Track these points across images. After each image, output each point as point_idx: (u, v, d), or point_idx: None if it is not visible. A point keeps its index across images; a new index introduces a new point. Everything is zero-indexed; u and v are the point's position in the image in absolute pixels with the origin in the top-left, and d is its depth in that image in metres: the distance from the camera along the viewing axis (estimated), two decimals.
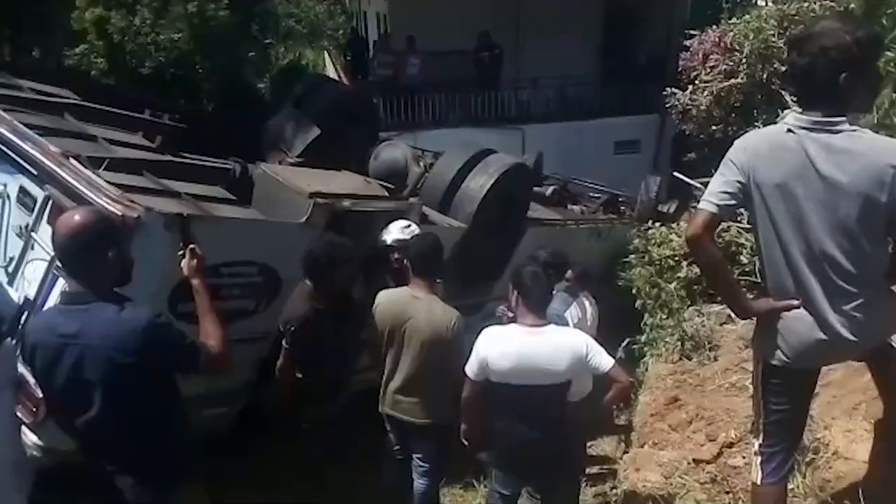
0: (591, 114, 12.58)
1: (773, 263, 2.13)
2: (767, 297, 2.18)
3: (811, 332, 2.09)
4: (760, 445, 2.25)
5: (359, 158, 6.09)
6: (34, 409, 3.58)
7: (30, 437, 3.66)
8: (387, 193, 5.01)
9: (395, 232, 4.17)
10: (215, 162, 4.85)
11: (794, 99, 2.27)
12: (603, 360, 2.94)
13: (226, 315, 2.89)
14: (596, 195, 9.11)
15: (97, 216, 2.25)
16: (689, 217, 2.20)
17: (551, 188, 8.20)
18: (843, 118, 2.01)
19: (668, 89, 7.70)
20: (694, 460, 3.30)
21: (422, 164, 6.33)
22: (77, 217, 2.20)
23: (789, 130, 2.05)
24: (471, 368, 2.98)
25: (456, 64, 12.43)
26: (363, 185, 4.94)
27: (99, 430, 2.24)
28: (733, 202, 2.11)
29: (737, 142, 2.18)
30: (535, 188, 7.18)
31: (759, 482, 2.28)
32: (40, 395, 3.52)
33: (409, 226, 4.24)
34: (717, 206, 2.10)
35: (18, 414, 3.68)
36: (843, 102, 2.02)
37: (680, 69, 7.72)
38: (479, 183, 5.46)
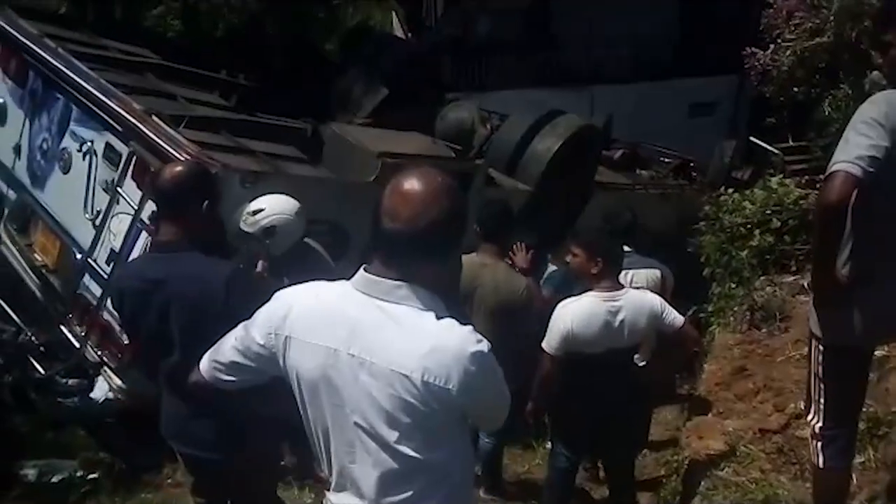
0: (665, 75, 12.08)
1: (876, 239, 2.00)
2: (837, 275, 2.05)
3: (878, 310, 2.00)
4: (821, 429, 2.17)
5: (426, 119, 6.10)
6: (119, 354, 3.83)
7: (114, 380, 3.91)
8: (453, 155, 5.02)
9: (245, 221, 3.24)
10: (288, 122, 4.96)
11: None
12: (677, 317, 2.99)
13: None
14: (667, 160, 8.85)
15: (198, 168, 2.34)
16: (826, 180, 1.93)
17: (620, 152, 8.01)
18: None
19: (748, 49, 7.33)
20: (760, 430, 3.25)
21: (488, 125, 6.29)
22: (179, 167, 2.30)
23: None
24: (550, 344, 2.93)
25: (525, 23, 12.17)
26: (430, 145, 4.97)
27: (180, 375, 2.33)
28: (873, 169, 1.85)
29: (880, 99, 1.97)
30: (604, 151, 7.04)
31: (821, 466, 2.20)
32: (125, 341, 3.79)
33: (258, 211, 3.27)
34: (864, 171, 1.84)
35: (104, 357, 3.98)
36: None
37: (762, 27, 7.34)
38: (547, 145, 5.40)
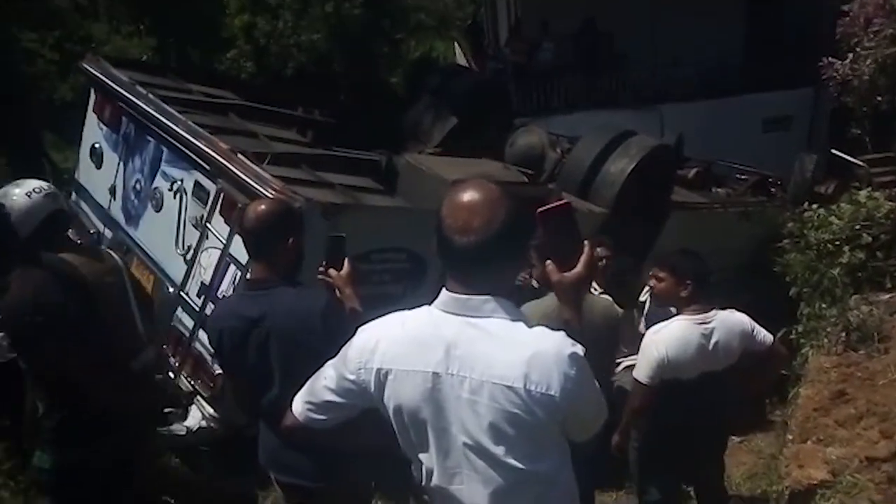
0: (735, 90, 11.79)
1: None
2: None
3: None
4: None
5: (495, 145, 6.14)
6: (211, 385, 3.95)
7: (207, 409, 4.04)
8: (526, 179, 5.02)
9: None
10: (363, 154, 5.08)
11: None
12: (767, 335, 2.93)
13: (376, 300, 3.03)
14: (743, 176, 8.60)
15: (283, 205, 2.41)
16: None
17: (694, 170, 7.83)
18: None
19: (824, 59, 7.08)
20: (867, 458, 3.07)
21: (558, 149, 6.28)
22: (264, 205, 2.36)
23: None
24: (645, 373, 2.84)
25: (588, 46, 12.13)
26: (502, 171, 4.99)
27: (280, 406, 2.36)
28: None
29: None
30: (677, 171, 6.90)
31: None
32: (217, 372, 3.92)
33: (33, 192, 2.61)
34: None
35: (197, 387, 4.12)
36: None
37: (838, 37, 7.09)
38: (620, 166, 5.33)
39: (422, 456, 1.54)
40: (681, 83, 12.18)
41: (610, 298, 3.24)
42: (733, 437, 4.24)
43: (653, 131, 8.85)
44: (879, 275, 5.14)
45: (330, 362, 1.66)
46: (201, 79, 5.92)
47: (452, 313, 1.49)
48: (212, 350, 3.85)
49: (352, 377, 1.58)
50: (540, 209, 1.53)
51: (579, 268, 1.56)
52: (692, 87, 12.11)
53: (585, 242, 1.59)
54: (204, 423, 3.97)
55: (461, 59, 16.38)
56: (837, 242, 5.50)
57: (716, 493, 3.22)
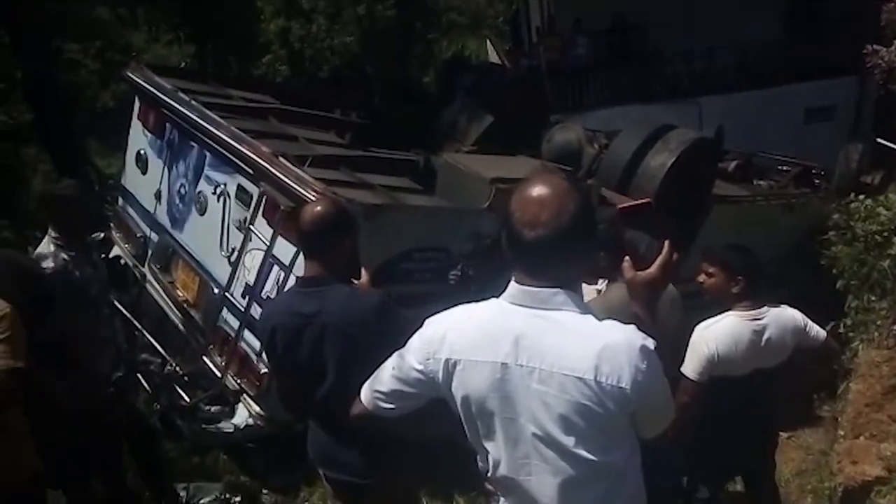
0: (775, 81, 11.51)
1: None
2: None
3: None
4: None
5: (532, 143, 6.12)
6: (258, 383, 4.03)
7: (253, 407, 4.11)
8: (564, 176, 4.99)
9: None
10: (401, 154, 5.11)
11: None
12: (820, 331, 2.88)
13: (419, 299, 3.05)
14: (785, 168, 8.40)
15: (338, 206, 2.46)
16: None
17: (734, 163, 7.68)
18: None
19: (868, 46, 6.88)
20: None
21: (595, 144, 6.22)
22: (320, 206, 2.41)
23: None
24: (694, 369, 2.77)
25: (622, 40, 12.00)
26: (541, 168, 4.96)
27: (332, 403, 2.36)
28: None
29: None
30: (718, 164, 6.77)
31: None
32: (263, 371, 3.99)
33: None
34: None
35: (243, 386, 4.20)
36: None
37: (883, 23, 6.89)
38: (660, 161, 5.25)
39: (489, 446, 1.56)
40: (719, 74, 11.96)
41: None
42: (781, 433, 4.16)
43: (691, 124, 8.72)
44: None
45: (397, 352, 1.69)
46: (240, 84, 6.02)
47: (521, 305, 1.50)
48: (259, 349, 3.96)
49: (420, 367, 1.61)
50: (621, 206, 1.56)
51: (654, 269, 1.58)
52: (731, 78, 11.88)
53: (666, 243, 1.59)
54: (251, 421, 4.05)
55: (493, 58, 16.35)
56: (885, 234, 5.36)
57: (766, 489, 3.16)
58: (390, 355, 1.76)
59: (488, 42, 18.76)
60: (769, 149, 8.73)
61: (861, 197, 5.90)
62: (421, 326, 1.66)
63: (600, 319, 1.49)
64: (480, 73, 7.56)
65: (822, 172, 8.10)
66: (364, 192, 4.00)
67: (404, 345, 1.67)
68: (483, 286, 2.64)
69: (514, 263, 1.53)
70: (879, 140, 9.08)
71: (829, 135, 10.19)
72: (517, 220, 1.47)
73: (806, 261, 6.02)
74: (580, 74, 12.01)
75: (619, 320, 1.49)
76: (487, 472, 1.60)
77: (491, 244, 3.39)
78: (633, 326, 1.48)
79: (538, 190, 1.48)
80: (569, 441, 1.45)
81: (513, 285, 1.52)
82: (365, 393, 1.77)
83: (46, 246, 3.40)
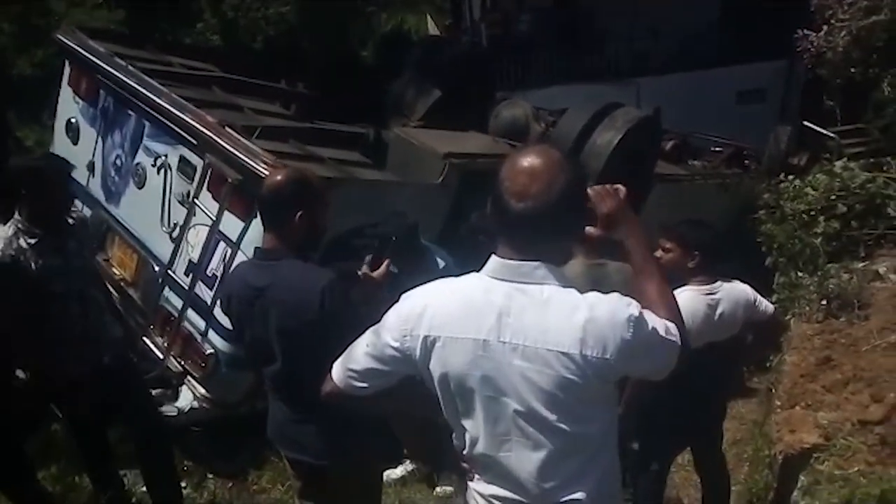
0: (710, 63, 11.86)
1: None
2: None
3: None
4: None
5: (478, 118, 6.09)
6: (203, 364, 3.90)
7: (198, 390, 3.99)
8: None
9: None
10: (349, 127, 5.00)
11: None
12: (768, 305, 3.01)
13: None
14: (718, 149, 8.70)
15: (296, 176, 2.33)
16: None
17: (671, 143, 7.88)
18: None
19: (798, 31, 7.14)
20: (859, 421, 3.14)
21: (542, 122, 6.25)
22: (278, 175, 2.32)
23: None
24: None
25: (566, 18, 12.09)
26: (492, 143, 4.96)
27: (283, 382, 2.34)
28: None
29: None
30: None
31: None
32: (208, 351, 3.86)
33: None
34: None
35: (187, 367, 4.06)
36: None
37: (812, 8, 7.16)
38: (607, 138, 5.33)
39: (467, 424, 1.54)
40: (658, 56, 12.22)
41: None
42: None
43: (630, 104, 8.86)
44: (854, 244, 5.25)
45: (370, 329, 1.64)
46: (181, 51, 5.74)
47: (503, 279, 1.47)
48: (204, 328, 3.83)
49: (395, 344, 1.56)
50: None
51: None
52: (669, 60, 12.15)
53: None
54: (195, 404, 3.93)
55: (434, 33, 16.18)
56: (813, 213, 5.59)
57: (715, 460, 3.28)
58: (337, 342, 1.71)
59: (428, 17, 18.52)
60: (704, 129, 9.01)
61: (790, 178, 6.15)
62: (397, 301, 1.61)
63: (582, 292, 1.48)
64: (427, 47, 7.45)
65: (753, 153, 8.42)
66: (315, 166, 3.89)
67: (379, 320, 1.62)
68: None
69: (498, 235, 1.50)
70: (806, 123, 9.51)
71: (760, 117, 10.62)
72: (505, 189, 1.43)
73: (738, 239, 6.25)
74: (523, 52, 12.04)
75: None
76: (463, 449, 1.58)
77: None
78: (616, 296, 1.47)
79: (530, 160, 1.43)
80: (551, 416, 1.45)
81: (494, 259, 1.49)
82: (337, 371, 1.70)
83: (3, 230, 2.94)
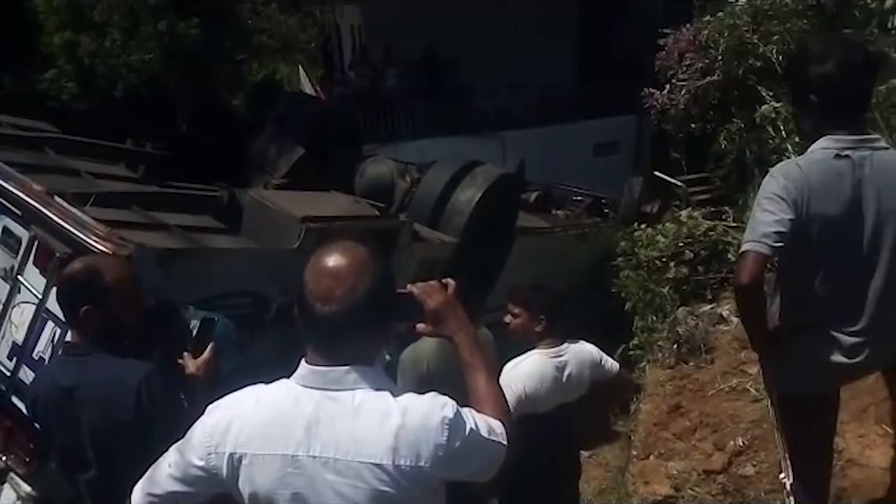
0: (570, 118, 12.59)
1: (802, 295, 2.06)
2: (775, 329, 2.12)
3: (834, 355, 2.04)
4: (792, 486, 2.12)
5: (344, 175, 6.06)
6: (27, 459, 3.50)
7: (23, 488, 3.58)
8: (377, 213, 4.98)
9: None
10: (202, 189, 4.79)
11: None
12: (613, 363, 3.07)
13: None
14: (579, 199, 9.14)
15: (80, 269, 2.13)
16: (739, 260, 2.01)
17: (535, 194, 8.20)
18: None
19: (645, 89, 7.71)
20: (704, 471, 3.29)
21: (408, 178, 6.31)
22: (68, 268, 2.15)
23: (838, 155, 1.95)
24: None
25: (432, 73, 12.43)
26: (352, 205, 4.91)
27: (100, 490, 2.12)
28: (781, 244, 1.92)
29: (777, 173, 2.03)
30: (521, 197, 7.18)
31: None
32: (33, 447, 3.47)
33: None
34: (772, 248, 1.92)
35: (10, 463, 3.63)
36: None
37: (656, 69, 7.75)
38: (468, 195, 5.45)
39: None
40: (521, 110, 12.80)
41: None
42: (583, 452, 4.42)
43: (495, 157, 9.18)
44: (701, 288, 5.61)
45: (174, 446, 1.50)
46: (12, 108, 5.31)
47: (312, 388, 1.39)
48: (27, 420, 3.44)
49: (200, 463, 1.43)
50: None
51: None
52: (531, 114, 12.76)
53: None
54: (18, 503, 3.50)
55: (306, 84, 16.14)
56: (664, 259, 5.94)
57: None
58: (160, 443, 1.56)
59: (300, 67, 18.47)
60: (565, 180, 9.45)
61: (643, 226, 6.53)
62: (203, 413, 1.49)
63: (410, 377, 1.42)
64: (291, 102, 7.37)
65: (611, 202, 8.91)
66: (158, 235, 3.67)
67: (184, 434, 1.49)
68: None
69: (305, 339, 1.42)
70: (656, 173, 10.21)
71: (615, 168, 11.30)
72: (309, 291, 1.37)
73: (598, 286, 6.52)
74: (392, 105, 12.22)
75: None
76: None
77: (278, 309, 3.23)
78: (430, 397, 1.41)
79: (333, 260, 1.38)
80: None
81: (303, 365, 1.41)
82: (136, 496, 1.54)
83: None
